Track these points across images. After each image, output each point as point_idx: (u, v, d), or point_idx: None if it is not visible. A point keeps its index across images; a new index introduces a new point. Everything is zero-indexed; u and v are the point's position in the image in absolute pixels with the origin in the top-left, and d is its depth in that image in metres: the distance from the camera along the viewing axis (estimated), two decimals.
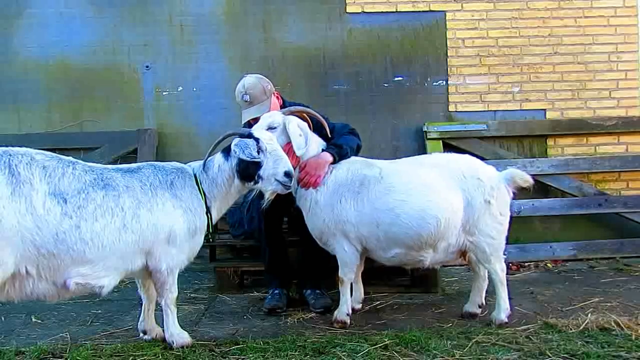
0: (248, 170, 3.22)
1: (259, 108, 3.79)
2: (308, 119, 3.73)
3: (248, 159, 3.17)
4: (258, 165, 3.21)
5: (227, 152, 3.30)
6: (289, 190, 3.34)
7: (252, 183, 3.27)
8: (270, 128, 3.51)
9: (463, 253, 3.59)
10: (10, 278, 2.76)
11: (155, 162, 3.36)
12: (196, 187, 3.24)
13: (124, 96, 5.62)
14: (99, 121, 5.59)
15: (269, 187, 3.26)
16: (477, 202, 3.44)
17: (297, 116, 3.63)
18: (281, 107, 3.88)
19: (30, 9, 5.58)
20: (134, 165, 3.27)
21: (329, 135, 3.74)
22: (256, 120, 3.68)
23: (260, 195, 3.36)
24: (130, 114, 5.60)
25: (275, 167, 3.21)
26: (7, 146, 2.90)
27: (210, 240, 3.53)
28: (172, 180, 3.19)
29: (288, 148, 3.50)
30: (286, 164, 3.23)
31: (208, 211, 3.26)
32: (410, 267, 3.86)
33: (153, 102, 5.62)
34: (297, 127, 3.53)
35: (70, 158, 3.03)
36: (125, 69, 5.61)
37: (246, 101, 3.82)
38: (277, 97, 3.95)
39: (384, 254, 3.54)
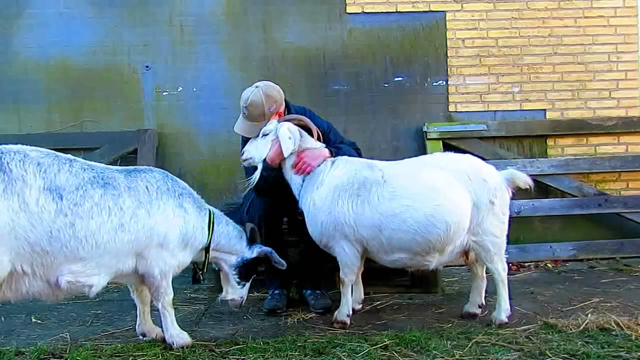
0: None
1: (250, 127, 3.80)
2: (312, 127, 3.76)
3: None
4: None
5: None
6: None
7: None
8: (264, 135, 3.68)
9: (465, 252, 3.59)
10: (6, 277, 2.76)
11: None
12: (207, 219, 3.28)
13: (124, 96, 5.61)
14: (99, 121, 5.58)
15: None
16: (483, 203, 3.43)
17: (294, 124, 3.69)
18: (286, 112, 3.94)
19: (30, 9, 5.57)
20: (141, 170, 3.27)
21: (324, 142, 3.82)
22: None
23: (259, 194, 3.34)
24: (130, 114, 5.59)
25: None
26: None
27: (202, 280, 3.52)
28: (180, 192, 3.24)
29: (279, 150, 3.60)
30: None
31: (207, 250, 3.29)
32: (414, 269, 3.86)
33: (153, 102, 5.62)
34: (287, 131, 3.60)
35: (69, 156, 3.03)
36: (125, 69, 5.61)
37: (244, 113, 3.84)
38: (280, 115, 3.88)
39: (386, 257, 3.50)
